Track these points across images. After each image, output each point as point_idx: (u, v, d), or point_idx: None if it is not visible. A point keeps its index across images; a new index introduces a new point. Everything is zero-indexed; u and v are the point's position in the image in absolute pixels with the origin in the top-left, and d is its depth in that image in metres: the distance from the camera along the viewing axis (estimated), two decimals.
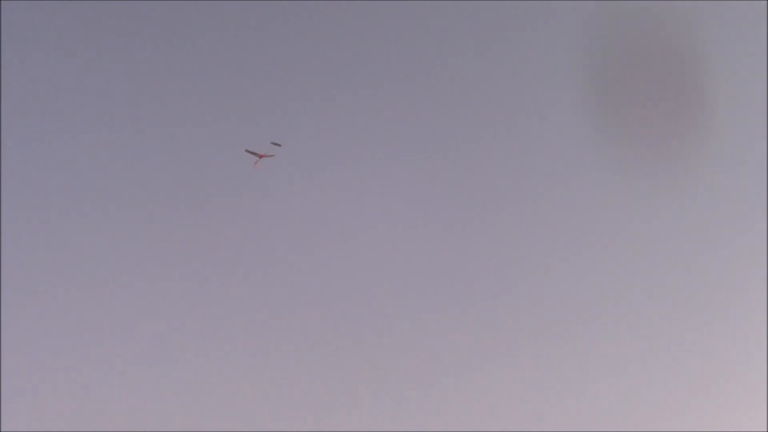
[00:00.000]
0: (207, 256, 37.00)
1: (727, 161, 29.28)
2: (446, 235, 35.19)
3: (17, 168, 36.52)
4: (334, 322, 34.23)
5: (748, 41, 28.01)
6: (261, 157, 27.01)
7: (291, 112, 38.19)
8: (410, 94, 35.24)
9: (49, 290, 35.92)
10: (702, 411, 30.10)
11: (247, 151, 25.64)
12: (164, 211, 38.06)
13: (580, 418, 32.39)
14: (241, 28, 39.50)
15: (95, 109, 38.79)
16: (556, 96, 30.23)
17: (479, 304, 35.00)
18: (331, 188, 36.96)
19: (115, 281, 37.07)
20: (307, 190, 37.59)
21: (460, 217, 34.82)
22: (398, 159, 36.16)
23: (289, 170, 37.37)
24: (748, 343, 30.56)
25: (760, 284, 30.90)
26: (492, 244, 33.29)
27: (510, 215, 32.53)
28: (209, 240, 37.32)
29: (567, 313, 33.23)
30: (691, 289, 32.20)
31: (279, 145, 25.81)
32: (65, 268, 36.97)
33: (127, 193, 38.94)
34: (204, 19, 39.12)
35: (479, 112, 33.15)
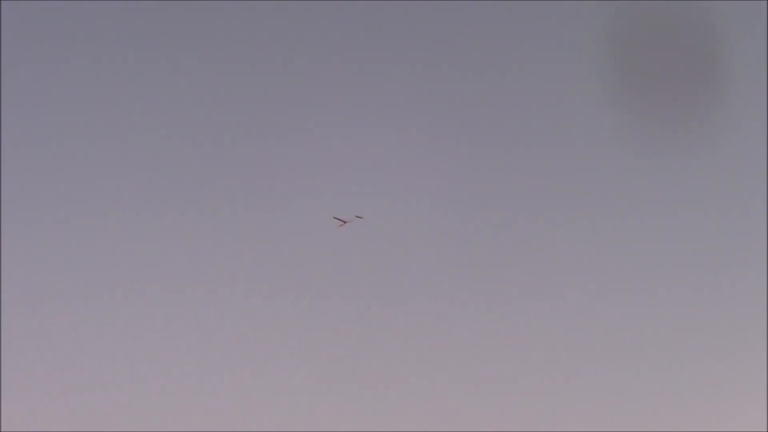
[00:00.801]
0: (209, 252, 36.98)
1: (739, 145, 29.24)
2: (456, 232, 35.16)
3: (17, 168, 36.49)
4: (338, 318, 34.26)
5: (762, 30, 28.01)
6: (345, 223, 27.68)
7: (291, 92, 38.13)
8: (426, 82, 35.15)
9: (49, 289, 35.87)
10: (702, 411, 30.07)
11: (334, 218, 26.32)
12: (164, 210, 38.04)
13: (579, 417, 32.34)
14: (249, 25, 39.49)
15: (96, 108, 38.77)
16: (571, 81, 30.15)
17: (486, 298, 35.01)
18: (334, 187, 36.94)
19: (116, 280, 37.04)
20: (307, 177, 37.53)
21: (471, 209, 34.75)
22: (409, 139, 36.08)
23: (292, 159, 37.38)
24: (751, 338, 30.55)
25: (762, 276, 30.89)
26: (502, 238, 33.21)
27: (521, 199, 32.43)
28: (213, 238, 37.30)
29: (573, 301, 33.17)
30: (696, 279, 32.19)
31: (361, 218, 26.51)
32: (65, 268, 36.96)
33: (127, 193, 38.92)
34: (205, 19, 39.09)
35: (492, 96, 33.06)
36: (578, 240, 32.52)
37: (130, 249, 37.90)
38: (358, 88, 36.90)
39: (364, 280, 34.68)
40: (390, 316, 34.79)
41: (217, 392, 34.25)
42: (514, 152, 32.28)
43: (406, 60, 34.89)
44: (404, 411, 32.81)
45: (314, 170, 38.05)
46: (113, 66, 39.26)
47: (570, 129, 31.66)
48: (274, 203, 37.78)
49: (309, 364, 33.81)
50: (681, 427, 28.94)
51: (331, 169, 37.91)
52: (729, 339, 31.38)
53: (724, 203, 30.42)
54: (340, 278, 33.92)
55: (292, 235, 36.08)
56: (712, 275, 32.35)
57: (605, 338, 33.65)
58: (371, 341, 34.01)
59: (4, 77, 31.69)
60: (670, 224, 31.22)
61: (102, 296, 36.25)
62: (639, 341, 34.16)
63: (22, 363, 32.61)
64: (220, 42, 39.05)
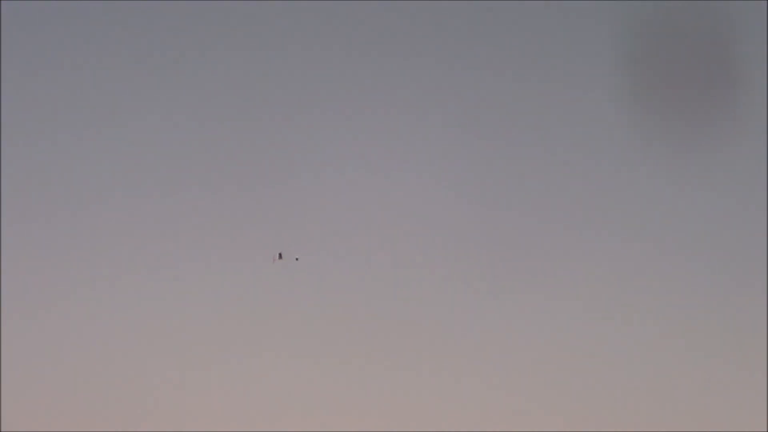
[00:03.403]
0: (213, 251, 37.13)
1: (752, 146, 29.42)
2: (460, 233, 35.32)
3: (17, 167, 36.52)
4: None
5: None
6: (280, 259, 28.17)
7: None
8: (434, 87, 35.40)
9: (49, 289, 35.96)
10: (703, 410, 30.15)
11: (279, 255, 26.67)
12: (164, 210, 38.09)
13: (580, 417, 32.40)
14: (248, 26, 39.68)
15: (95, 108, 38.79)
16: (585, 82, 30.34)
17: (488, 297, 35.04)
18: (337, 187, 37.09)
19: (116, 280, 37.12)
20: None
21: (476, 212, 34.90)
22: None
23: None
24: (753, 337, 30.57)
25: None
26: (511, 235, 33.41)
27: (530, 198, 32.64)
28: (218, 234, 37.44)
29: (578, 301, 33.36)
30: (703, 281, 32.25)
31: (297, 260, 26.69)
32: (65, 268, 37.02)
33: (128, 192, 38.99)
34: (205, 18, 39.30)
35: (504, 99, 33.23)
36: (585, 240, 32.59)
37: (130, 249, 38.01)
38: (357, 86, 37.14)
39: (365, 279, 34.89)
40: (394, 315, 34.89)
41: (217, 392, 34.37)
42: (520, 153, 32.41)
43: (414, 58, 35.16)
44: (404, 411, 32.86)
45: (315, 170, 38.18)
46: (113, 66, 39.48)
47: (579, 129, 31.85)
48: (274, 202, 37.99)
49: (310, 365, 33.90)
50: (681, 427, 29.09)
51: (332, 168, 38.04)
52: (729, 339, 31.51)
53: (735, 204, 30.58)
54: (340, 278, 34.05)
55: (293, 235, 36.23)
56: (720, 276, 32.50)
57: (609, 338, 33.82)
58: (373, 339, 34.12)
59: (4, 77, 31.86)
60: (680, 225, 31.36)
61: (102, 296, 36.36)
62: (643, 342, 34.34)
63: (22, 363, 32.74)
64: (221, 41, 39.23)
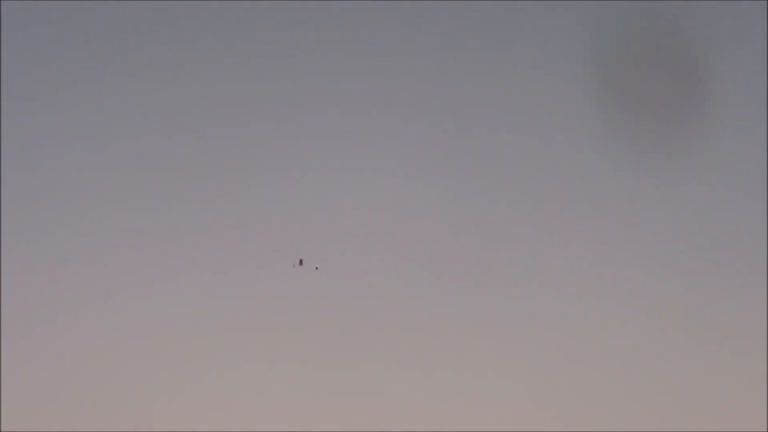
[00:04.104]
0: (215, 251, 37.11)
1: (729, 156, 29.43)
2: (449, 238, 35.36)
3: (18, 168, 36.48)
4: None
5: (752, 39, 28.22)
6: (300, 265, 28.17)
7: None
8: (412, 93, 35.44)
9: (49, 289, 35.91)
10: (702, 410, 30.13)
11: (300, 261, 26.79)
12: (165, 210, 38.08)
13: (579, 417, 32.39)
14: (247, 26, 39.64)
15: (95, 108, 38.75)
16: (560, 89, 30.37)
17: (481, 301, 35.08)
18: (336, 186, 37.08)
19: (116, 280, 37.09)
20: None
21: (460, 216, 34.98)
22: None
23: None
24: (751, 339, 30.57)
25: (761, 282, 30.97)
26: (493, 242, 33.49)
27: (508, 207, 32.68)
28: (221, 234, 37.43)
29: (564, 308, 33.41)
30: (693, 287, 32.29)
31: (317, 269, 26.83)
32: (65, 268, 36.97)
33: (127, 193, 38.99)
34: (206, 18, 39.27)
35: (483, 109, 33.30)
36: (571, 246, 32.62)
37: (130, 249, 38.01)
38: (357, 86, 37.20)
39: (365, 279, 34.91)
40: (392, 315, 34.91)
41: (217, 392, 34.39)
42: (502, 159, 32.45)
43: (409, 59, 35.20)
44: (405, 411, 32.87)
45: (316, 170, 38.19)
46: (113, 66, 39.51)
47: (563, 132, 31.91)
48: (275, 202, 37.98)
49: (311, 365, 33.90)
50: (681, 427, 29.08)
51: (334, 168, 38.06)
52: (729, 339, 31.52)
53: (723, 209, 30.63)
54: (340, 278, 34.04)
55: (294, 235, 36.19)
56: (712, 279, 32.57)
57: (604, 340, 33.88)
58: (371, 339, 34.13)
59: (4, 77, 31.88)
60: (668, 229, 31.41)
61: (102, 296, 36.35)
62: (639, 343, 34.41)
63: (21, 363, 32.70)
64: (223, 42, 39.27)
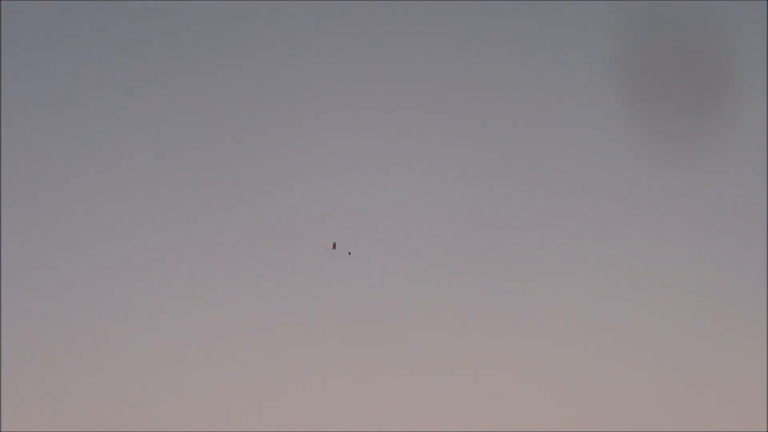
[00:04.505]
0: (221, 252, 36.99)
1: (749, 156, 29.17)
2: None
3: (17, 167, 36.50)
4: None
5: None
6: (334, 248, 28.04)
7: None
8: (428, 91, 35.12)
9: (49, 289, 35.89)
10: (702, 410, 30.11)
11: (333, 244, 26.77)
12: (168, 210, 38.05)
13: (580, 417, 32.34)
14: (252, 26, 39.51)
15: (95, 108, 38.76)
16: (581, 88, 30.04)
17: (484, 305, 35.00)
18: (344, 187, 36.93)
19: (116, 280, 37.04)
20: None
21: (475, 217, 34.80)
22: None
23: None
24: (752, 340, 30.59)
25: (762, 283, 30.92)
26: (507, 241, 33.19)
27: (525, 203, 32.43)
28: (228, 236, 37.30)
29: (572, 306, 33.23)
30: (700, 286, 32.23)
31: (349, 254, 26.75)
32: (65, 268, 36.98)
33: (129, 193, 38.91)
34: (206, 18, 39.12)
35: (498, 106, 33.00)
36: (582, 248, 32.49)
37: (130, 249, 37.88)
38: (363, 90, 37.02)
39: (368, 282, 34.75)
40: (396, 319, 34.81)
41: (217, 392, 34.22)
42: (517, 160, 32.23)
43: (420, 65, 34.96)
44: (407, 411, 32.80)
45: (318, 170, 38.05)
46: (113, 66, 39.34)
47: (577, 133, 31.66)
48: (279, 203, 37.80)
49: (312, 365, 33.80)
50: (681, 427, 28.97)
51: (337, 169, 37.91)
52: (729, 339, 31.44)
53: (735, 211, 30.40)
54: (344, 280, 33.95)
55: (299, 237, 36.07)
56: (718, 280, 32.38)
57: (609, 341, 33.74)
58: (375, 340, 34.01)
59: (4, 77, 31.67)
60: (679, 231, 31.20)
61: (102, 296, 36.22)
62: (643, 343, 34.26)
63: (22, 363, 32.66)
64: (226, 42, 39.11)
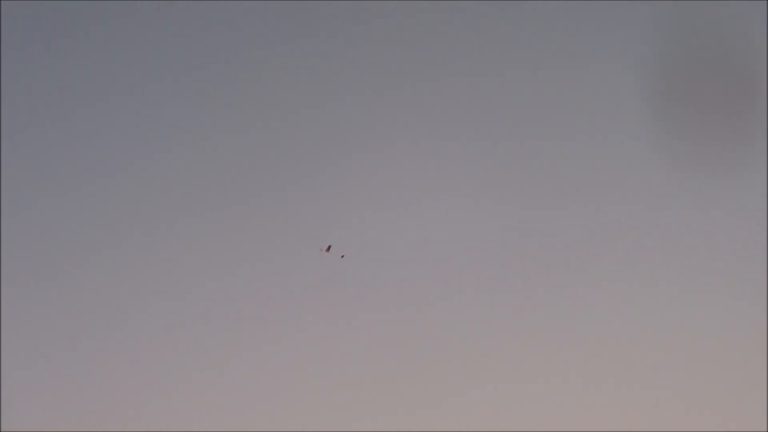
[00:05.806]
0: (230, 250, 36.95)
1: None
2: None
3: (17, 167, 36.48)
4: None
5: None
6: (328, 251, 28.10)
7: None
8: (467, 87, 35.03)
9: (49, 289, 35.84)
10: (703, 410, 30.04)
11: (327, 246, 26.84)
12: (170, 211, 38.03)
13: (580, 417, 32.33)
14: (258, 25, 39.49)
15: (97, 109, 38.76)
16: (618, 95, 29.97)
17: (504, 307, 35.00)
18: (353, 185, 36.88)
19: (117, 280, 37.00)
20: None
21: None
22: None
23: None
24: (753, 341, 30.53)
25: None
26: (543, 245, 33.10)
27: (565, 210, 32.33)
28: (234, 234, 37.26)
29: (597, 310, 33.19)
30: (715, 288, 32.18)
31: (342, 257, 26.75)
32: (65, 268, 36.93)
33: (131, 194, 38.91)
34: (206, 18, 39.10)
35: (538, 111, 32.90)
36: (608, 252, 32.47)
37: (131, 249, 37.87)
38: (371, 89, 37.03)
39: (374, 282, 34.72)
40: (405, 318, 34.79)
41: (217, 393, 34.22)
42: (547, 163, 32.20)
43: (438, 65, 34.95)
44: (411, 412, 32.80)
45: (320, 171, 38.03)
46: (113, 66, 39.35)
47: (606, 138, 31.65)
48: (283, 204, 37.78)
49: (314, 366, 33.77)
50: (681, 427, 28.92)
51: (341, 170, 37.91)
52: (729, 339, 31.38)
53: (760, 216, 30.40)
54: (349, 280, 33.92)
55: (306, 237, 36.05)
56: (743, 285, 32.41)
57: (618, 343, 33.79)
58: (383, 342, 34.01)
59: (4, 77, 31.68)
60: (706, 236, 31.18)
61: (102, 296, 36.20)
62: (650, 345, 34.30)
63: (22, 363, 32.61)
64: (230, 43, 39.10)
